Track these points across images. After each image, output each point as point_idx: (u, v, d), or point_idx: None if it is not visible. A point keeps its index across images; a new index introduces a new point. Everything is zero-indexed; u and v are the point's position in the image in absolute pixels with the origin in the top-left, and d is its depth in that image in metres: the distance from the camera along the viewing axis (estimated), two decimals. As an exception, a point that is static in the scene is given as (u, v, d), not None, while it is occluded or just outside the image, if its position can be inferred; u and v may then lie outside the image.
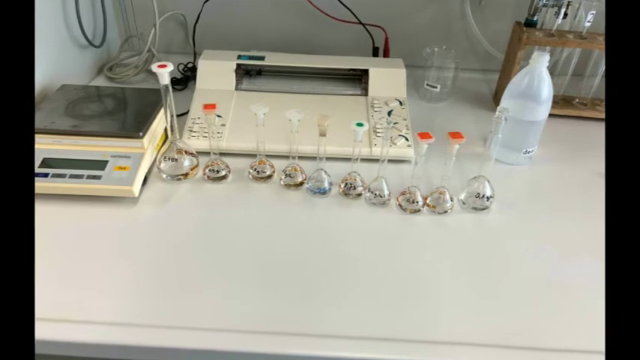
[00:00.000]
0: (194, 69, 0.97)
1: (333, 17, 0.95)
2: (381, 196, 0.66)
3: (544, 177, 0.74)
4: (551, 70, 0.76)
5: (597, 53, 0.86)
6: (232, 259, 0.58)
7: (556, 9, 0.82)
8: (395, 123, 0.77)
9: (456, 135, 0.60)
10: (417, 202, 0.65)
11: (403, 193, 0.66)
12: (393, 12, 0.98)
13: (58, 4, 0.83)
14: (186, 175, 0.70)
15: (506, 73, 0.89)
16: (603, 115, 0.87)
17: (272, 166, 0.71)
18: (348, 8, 0.94)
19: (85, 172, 0.64)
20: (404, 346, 0.49)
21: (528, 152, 0.75)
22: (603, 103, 0.90)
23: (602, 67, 0.86)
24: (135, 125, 0.69)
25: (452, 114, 0.90)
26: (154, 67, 0.61)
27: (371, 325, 0.50)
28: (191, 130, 0.75)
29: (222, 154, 0.72)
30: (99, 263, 0.56)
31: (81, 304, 0.51)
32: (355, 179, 0.67)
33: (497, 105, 0.68)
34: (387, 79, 0.84)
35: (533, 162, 0.77)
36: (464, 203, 0.67)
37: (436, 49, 0.92)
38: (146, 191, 0.67)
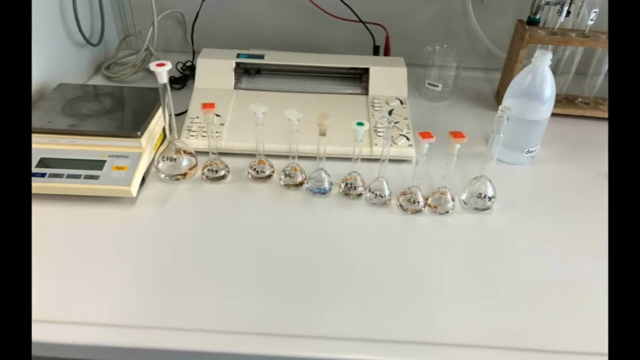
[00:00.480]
0: (193, 68, 0.97)
1: (333, 15, 0.95)
2: (381, 197, 0.66)
3: (546, 177, 0.74)
4: (554, 68, 0.76)
5: (600, 52, 0.86)
6: (231, 260, 0.58)
7: (558, 7, 0.82)
8: (396, 122, 0.77)
9: (457, 134, 0.60)
10: (418, 202, 0.65)
11: (404, 194, 0.66)
12: (394, 10, 0.98)
13: (55, 1, 0.83)
14: (184, 175, 0.70)
15: (508, 72, 0.89)
16: (606, 115, 0.87)
17: (271, 166, 0.71)
18: (348, 6, 0.94)
19: (83, 172, 0.64)
20: (405, 348, 0.49)
21: (530, 152, 0.75)
22: (606, 103, 0.90)
23: (605, 66, 0.86)
24: (133, 125, 0.69)
25: (453, 113, 0.90)
26: (152, 66, 0.61)
27: (371, 327, 0.50)
28: (190, 130, 0.75)
29: (221, 153, 0.72)
30: (96, 264, 0.56)
31: (78, 306, 0.51)
32: (355, 179, 0.67)
33: (499, 104, 0.68)
34: (388, 78, 0.84)
35: (535, 162, 0.77)
36: (465, 203, 0.67)
37: (437, 47, 0.92)
38: (144, 191, 0.67)
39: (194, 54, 1.01)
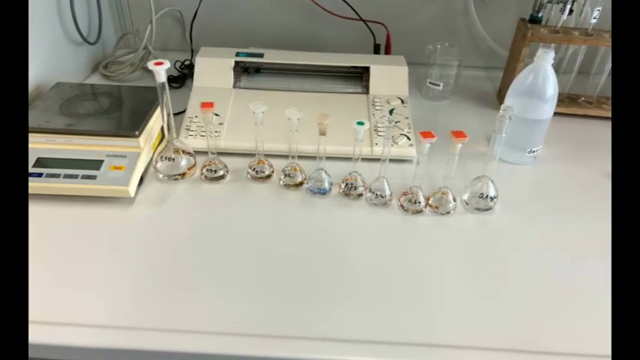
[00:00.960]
0: (191, 66, 0.97)
1: (333, 13, 0.95)
2: (382, 197, 0.66)
3: (549, 177, 0.74)
4: (557, 67, 0.76)
5: (603, 50, 0.86)
6: (230, 261, 0.58)
7: (561, 5, 0.81)
8: (396, 122, 0.77)
9: (458, 134, 0.60)
10: (419, 202, 0.65)
11: (405, 194, 0.66)
12: (395, 8, 0.98)
13: (52, 0, 0.83)
14: (183, 175, 0.70)
15: (510, 71, 0.89)
16: (610, 114, 0.87)
17: (271, 166, 0.71)
18: (348, 4, 0.94)
19: (80, 172, 0.64)
20: (406, 350, 0.49)
21: (533, 152, 0.75)
22: (609, 102, 0.90)
23: (609, 65, 0.86)
24: (131, 124, 0.69)
25: (455, 112, 0.90)
26: (151, 65, 0.61)
27: (371, 328, 0.50)
28: (188, 129, 0.75)
29: (220, 153, 0.72)
30: (94, 265, 0.56)
31: (75, 307, 0.51)
32: (356, 179, 0.67)
33: (501, 103, 0.68)
34: (389, 77, 0.84)
35: (537, 162, 0.77)
36: (467, 204, 0.67)
37: (439, 46, 0.92)
38: (142, 191, 0.67)
39: (193, 52, 1.01)
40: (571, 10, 0.82)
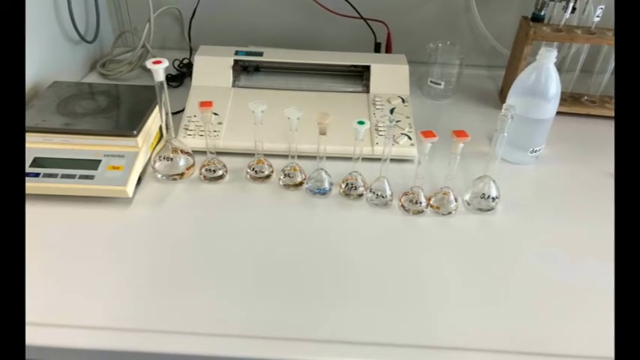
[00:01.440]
0: (190, 65, 0.97)
1: (333, 12, 0.95)
2: (383, 197, 0.66)
3: (551, 177, 0.74)
4: (559, 66, 0.76)
5: (606, 49, 0.86)
6: (229, 262, 0.58)
7: (564, 3, 0.81)
8: (397, 121, 0.77)
9: (460, 133, 0.60)
10: (420, 202, 0.65)
11: (406, 194, 0.66)
12: (396, 6, 0.98)
13: (49, -2, 0.83)
14: (181, 174, 0.70)
15: (512, 70, 0.89)
16: (613, 113, 0.87)
17: (270, 166, 0.71)
18: (349, 2, 0.94)
19: (78, 172, 0.64)
20: (407, 352, 0.49)
21: (535, 151, 0.75)
22: (613, 101, 0.90)
23: (612, 64, 0.86)
24: (129, 123, 0.69)
25: (456, 112, 0.90)
26: (149, 64, 0.61)
27: (372, 330, 0.50)
28: (187, 129, 0.75)
29: (218, 153, 0.72)
30: (91, 266, 0.56)
31: (73, 308, 0.51)
32: (356, 179, 0.67)
33: (503, 102, 0.68)
34: (390, 76, 0.84)
35: (540, 161, 0.77)
36: (468, 204, 0.67)
37: (440, 44, 0.92)
38: (140, 191, 0.67)
39: (191, 51, 1.01)
40: (574, 8, 0.82)
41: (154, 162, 0.69)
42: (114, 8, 1.02)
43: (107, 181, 0.63)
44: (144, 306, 0.52)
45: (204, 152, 0.70)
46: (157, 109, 0.72)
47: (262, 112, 0.65)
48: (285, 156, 0.70)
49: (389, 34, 0.97)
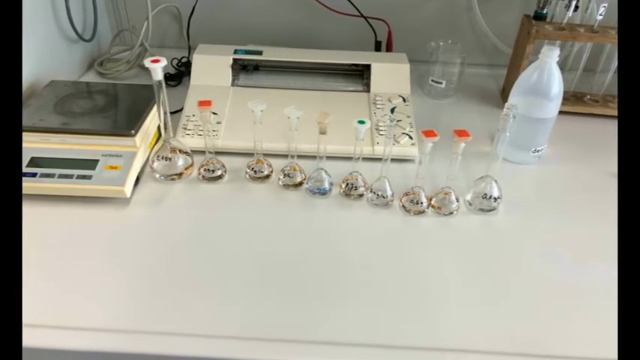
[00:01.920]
0: (188, 64, 0.97)
1: (333, 10, 0.95)
2: (383, 197, 0.66)
3: (554, 177, 0.74)
4: (562, 65, 0.76)
5: (609, 48, 0.86)
6: (228, 263, 0.58)
7: (566, 1, 0.81)
8: (398, 120, 0.77)
9: (461, 133, 0.60)
10: (422, 203, 0.65)
11: (407, 194, 0.66)
12: (397, 4, 0.98)
13: (46, -4, 0.83)
14: (180, 174, 0.70)
15: (514, 69, 0.89)
16: (616, 113, 0.87)
17: (270, 166, 0.71)
18: (349, 1, 0.94)
19: (75, 172, 0.64)
20: (408, 354, 0.49)
21: (537, 151, 0.75)
22: (616, 100, 0.90)
23: (615, 62, 0.86)
24: (127, 123, 0.68)
25: (457, 111, 0.90)
26: (147, 62, 0.61)
27: (372, 331, 0.50)
28: (185, 128, 0.75)
29: (217, 153, 0.72)
30: (89, 266, 0.56)
31: (70, 310, 0.51)
32: (357, 179, 0.67)
33: (505, 102, 0.68)
34: (390, 75, 0.84)
35: (542, 161, 0.77)
36: (470, 204, 0.67)
37: (441, 43, 0.92)
38: (138, 192, 0.67)
39: (190, 50, 1.01)
40: (576, 7, 0.82)
41: (153, 162, 0.69)
42: (112, 6, 1.02)
43: (105, 181, 0.63)
44: (142, 307, 0.52)
45: (202, 152, 0.70)
46: (155, 108, 0.72)
47: (262, 111, 0.65)
48: (285, 156, 0.70)
49: (390, 33, 0.97)
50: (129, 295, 0.53)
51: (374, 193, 0.66)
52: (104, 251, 0.58)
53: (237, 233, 0.62)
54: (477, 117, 0.88)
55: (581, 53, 0.88)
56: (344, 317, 0.52)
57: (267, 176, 0.70)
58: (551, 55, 0.69)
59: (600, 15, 0.81)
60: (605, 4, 0.80)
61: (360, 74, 0.87)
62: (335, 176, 0.69)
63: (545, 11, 0.86)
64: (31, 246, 0.58)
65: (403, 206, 0.66)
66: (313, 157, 0.68)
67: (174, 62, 0.98)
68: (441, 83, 0.91)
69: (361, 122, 0.62)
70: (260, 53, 0.85)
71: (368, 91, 0.84)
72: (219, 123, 0.76)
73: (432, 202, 0.66)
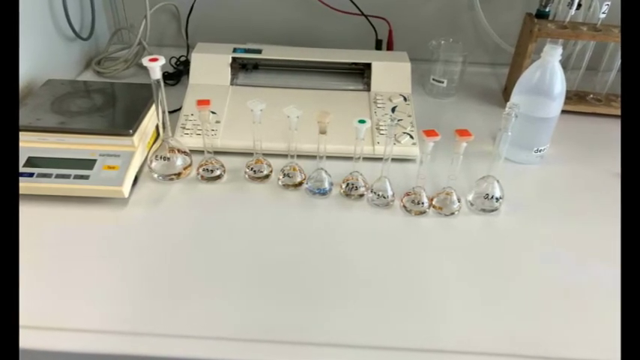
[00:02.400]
0: (187, 63, 0.97)
1: (333, 8, 0.95)
2: (384, 197, 0.66)
3: (556, 177, 0.74)
4: (564, 64, 0.76)
5: (613, 46, 0.86)
6: (227, 264, 0.58)
7: (569, -1, 0.82)
8: (399, 120, 0.77)
9: (463, 132, 0.60)
10: (423, 203, 0.65)
11: (408, 194, 0.66)
12: (397, 2, 0.98)
13: (43, -6, 0.83)
14: (178, 174, 0.70)
15: (516, 67, 0.89)
16: (619, 112, 0.87)
17: (269, 166, 0.71)
18: (349, -1, 0.94)
19: (72, 172, 0.64)
20: (409, 355, 0.49)
21: (540, 151, 0.75)
22: (619, 99, 0.90)
23: (618, 61, 0.86)
24: (125, 122, 0.69)
25: (459, 110, 0.90)
26: (145, 61, 0.61)
27: (373, 333, 0.50)
28: (184, 128, 0.75)
29: (216, 152, 0.72)
30: (86, 267, 0.56)
31: (68, 311, 0.51)
32: (357, 179, 0.67)
33: (507, 101, 0.68)
34: (391, 74, 0.84)
35: (544, 161, 0.77)
36: (472, 204, 0.67)
37: (442, 41, 0.92)
38: (136, 192, 0.67)
39: (188, 48, 1.01)
40: (579, 5, 0.82)
41: (151, 162, 0.69)
42: (109, 4, 1.02)
43: (103, 181, 0.63)
44: (140, 308, 0.52)
45: (201, 152, 0.70)
46: (153, 107, 0.72)
47: (261, 110, 0.65)
48: (285, 155, 0.70)
49: (390, 31, 0.97)
50: (127, 297, 0.53)
51: (374, 193, 0.66)
52: (102, 252, 0.58)
53: (236, 234, 0.62)
54: (479, 116, 0.88)
55: (583, 52, 0.88)
56: (344, 318, 0.52)
57: (267, 176, 0.70)
58: (553, 54, 0.69)
59: (603, 13, 0.81)
60: (608, 3, 0.80)
61: (361, 73, 0.87)
62: (335, 176, 0.69)
63: (547, 9, 0.86)
64: (28, 247, 0.58)
65: (404, 206, 0.66)
66: (313, 157, 0.68)
67: (173, 61, 0.98)
68: (443, 82, 0.91)
69: (362, 121, 0.62)
70: (259, 52, 0.85)
71: (368, 90, 0.84)
72: (218, 122, 0.76)
73: (433, 203, 0.66)
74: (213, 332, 0.50)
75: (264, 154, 0.71)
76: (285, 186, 0.69)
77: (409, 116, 0.79)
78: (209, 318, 0.51)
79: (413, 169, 0.73)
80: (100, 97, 0.75)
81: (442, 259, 0.59)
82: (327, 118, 0.62)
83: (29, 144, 0.66)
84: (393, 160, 0.68)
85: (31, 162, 0.65)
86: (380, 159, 0.66)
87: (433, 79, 0.92)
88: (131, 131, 0.67)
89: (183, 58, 0.99)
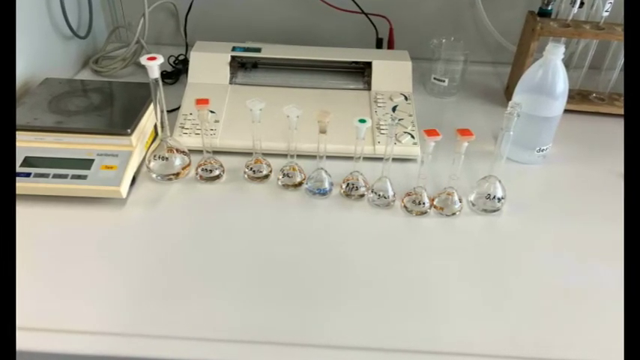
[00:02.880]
0: (186, 62, 0.97)
1: (333, 6, 0.95)
2: (384, 197, 0.66)
3: (559, 177, 0.74)
4: (567, 62, 0.76)
5: (616, 45, 0.86)
6: (226, 265, 0.58)
7: (572, -3, 0.82)
8: (400, 119, 0.77)
9: (465, 132, 0.60)
10: (424, 203, 0.65)
11: (408, 194, 0.66)
12: (398, 0, 0.98)
13: (40, -8, 0.83)
14: (177, 174, 0.70)
15: (518, 66, 0.89)
16: (622, 111, 0.87)
17: (269, 166, 0.71)
18: (349, -3, 0.94)
19: (70, 172, 0.64)
20: (410, 357, 0.49)
21: (542, 150, 0.75)
22: (622, 98, 0.90)
23: (621, 60, 0.86)
24: (123, 122, 0.69)
25: (460, 109, 0.90)
26: (143, 60, 0.61)
27: (374, 335, 0.50)
28: (182, 127, 0.75)
29: (215, 152, 0.72)
30: (84, 268, 0.56)
31: (65, 312, 0.51)
32: (357, 179, 0.67)
33: (509, 100, 0.68)
34: (392, 73, 0.84)
35: (547, 161, 0.77)
36: (473, 205, 0.67)
37: (444, 40, 0.92)
38: (134, 192, 0.67)
39: (187, 47, 1.01)
40: (582, 3, 0.82)
41: (149, 161, 0.69)
42: (107, 3, 1.02)
43: (100, 181, 0.63)
44: (138, 310, 0.52)
45: (200, 151, 0.70)
46: (151, 106, 0.72)
47: (260, 110, 0.65)
48: (284, 155, 0.70)
49: (391, 30, 0.97)
50: (125, 298, 0.53)
51: (375, 193, 0.66)
52: (100, 253, 0.58)
53: (235, 234, 0.62)
54: (481, 116, 0.88)
55: (586, 50, 0.88)
56: (344, 319, 0.52)
57: (266, 176, 0.71)
58: (556, 53, 0.69)
59: (606, 11, 0.81)
60: (612, 1, 0.80)
61: (361, 72, 0.87)
62: (335, 176, 0.69)
63: (550, 8, 0.86)
64: (25, 247, 0.58)
65: (405, 207, 0.66)
66: (313, 157, 0.68)
67: (171, 60, 0.98)
68: (444, 81, 0.91)
69: (362, 121, 0.62)
70: (259, 50, 0.85)
71: (369, 89, 0.84)
72: (217, 122, 0.76)
73: (435, 203, 0.66)
74: (212, 334, 0.50)
75: (264, 154, 0.71)
76: (285, 186, 0.69)
77: (410, 115, 0.79)
78: (208, 319, 0.51)
79: (414, 169, 0.73)
80: (97, 96, 0.75)
81: (443, 260, 0.59)
82: (327, 118, 0.62)
83: (26, 144, 0.66)
84: (394, 159, 0.68)
85: (28, 162, 0.65)
86: (380, 159, 0.66)
87: (434, 78, 0.92)
88: (129, 131, 0.67)
89: (181, 57, 0.99)
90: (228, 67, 0.83)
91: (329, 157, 0.69)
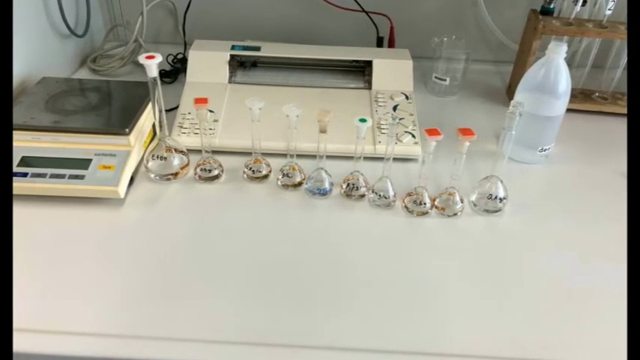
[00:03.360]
0: (184, 60, 0.97)
1: (334, 5, 0.95)
2: (385, 198, 0.66)
3: (561, 177, 0.74)
4: (569, 61, 0.76)
5: (619, 43, 0.86)
6: (225, 265, 0.58)
7: (574, -4, 0.82)
8: (401, 119, 0.77)
9: (466, 131, 0.60)
10: (425, 203, 0.65)
11: (409, 194, 0.66)
12: (399, -1, 0.98)
13: (37, -10, 0.83)
14: (175, 174, 0.70)
15: (520, 65, 0.89)
16: (625, 110, 0.87)
17: (268, 165, 0.71)
18: (350, -5, 0.94)
19: (67, 172, 0.64)
20: (411, 358, 0.49)
21: (544, 150, 0.75)
22: (625, 97, 0.90)
23: (624, 59, 0.86)
24: (120, 121, 0.69)
25: (462, 109, 0.90)
26: (141, 59, 0.61)
27: (374, 336, 0.50)
28: (181, 127, 0.75)
29: (214, 152, 0.72)
30: (82, 269, 0.56)
31: (62, 314, 0.51)
32: (358, 179, 0.67)
33: (511, 99, 0.68)
34: (393, 72, 0.84)
35: (549, 160, 0.77)
36: (475, 205, 0.67)
37: (445, 38, 0.92)
38: (133, 192, 0.67)
39: (186, 46, 1.01)
40: (584, 1, 0.82)
41: (147, 161, 0.69)
42: (105, 1, 1.03)
43: (98, 181, 0.63)
44: (136, 311, 0.52)
45: (199, 151, 0.70)
46: (149, 106, 0.72)
47: (260, 109, 0.65)
48: (284, 155, 0.70)
49: (392, 28, 0.97)
50: (123, 299, 0.53)
51: (375, 193, 0.66)
52: (97, 253, 0.58)
53: (234, 235, 0.62)
54: (482, 115, 0.88)
55: (589, 49, 0.88)
56: (344, 321, 0.52)
57: (266, 176, 0.71)
58: (558, 51, 0.69)
59: (609, 10, 0.81)
60: (615, -1, 0.80)
61: (362, 71, 0.87)
62: (335, 176, 0.69)
63: (552, 6, 0.86)
64: (22, 248, 0.58)
65: (406, 207, 0.66)
66: (313, 157, 0.68)
67: (170, 58, 0.98)
68: (445, 80, 0.91)
69: (362, 120, 0.62)
70: (258, 49, 0.85)
71: (369, 88, 0.84)
72: (215, 121, 0.76)
73: (436, 203, 0.66)
74: (211, 335, 0.50)
75: (263, 154, 0.71)
76: (285, 186, 0.69)
77: (411, 115, 0.79)
78: (206, 320, 0.51)
79: (415, 168, 0.73)
80: (95, 95, 0.75)
81: (444, 261, 0.59)
82: (327, 117, 0.62)
83: (23, 143, 0.66)
84: (395, 159, 0.68)
85: (25, 161, 0.65)
86: (381, 158, 0.66)
87: (435, 77, 0.92)
88: (127, 130, 0.67)
89: (180, 56, 0.99)
90: (227, 66, 0.83)
91: (329, 157, 0.69)
